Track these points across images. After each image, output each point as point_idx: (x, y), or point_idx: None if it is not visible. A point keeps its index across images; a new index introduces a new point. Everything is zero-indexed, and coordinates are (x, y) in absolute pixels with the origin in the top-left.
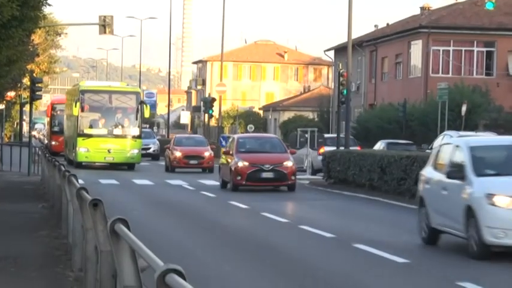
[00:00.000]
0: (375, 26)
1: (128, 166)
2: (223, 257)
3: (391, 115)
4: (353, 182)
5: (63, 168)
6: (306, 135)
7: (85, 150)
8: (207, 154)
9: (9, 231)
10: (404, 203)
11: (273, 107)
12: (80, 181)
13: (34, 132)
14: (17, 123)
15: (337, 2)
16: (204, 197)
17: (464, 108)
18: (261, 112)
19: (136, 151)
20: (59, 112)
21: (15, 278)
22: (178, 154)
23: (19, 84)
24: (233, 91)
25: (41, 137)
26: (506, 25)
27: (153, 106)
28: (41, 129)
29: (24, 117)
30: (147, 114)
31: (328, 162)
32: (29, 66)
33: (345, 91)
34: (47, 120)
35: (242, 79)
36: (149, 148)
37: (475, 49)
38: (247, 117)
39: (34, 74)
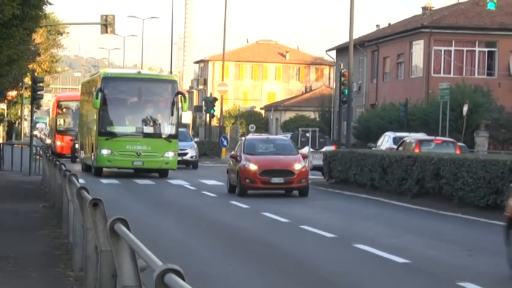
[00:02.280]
0: (377, 26)
1: (160, 173)
2: (224, 256)
3: (392, 115)
4: (354, 182)
5: (63, 168)
6: (307, 135)
7: (108, 152)
8: (297, 167)
9: (9, 230)
10: (406, 203)
11: (274, 107)
12: (81, 180)
13: (35, 132)
14: (18, 123)
15: (339, 2)
16: (205, 197)
17: (465, 108)
18: (262, 112)
19: (171, 154)
20: (64, 110)
21: (16, 278)
22: (252, 167)
23: (20, 84)
24: (235, 91)
25: (43, 136)
26: (508, 25)
27: None
28: (43, 128)
29: (26, 116)
30: (185, 108)
31: (329, 162)
32: (30, 66)
33: (346, 91)
34: (48, 119)
35: (244, 79)
36: (186, 154)
37: (477, 49)
38: (248, 117)
39: (35, 74)
